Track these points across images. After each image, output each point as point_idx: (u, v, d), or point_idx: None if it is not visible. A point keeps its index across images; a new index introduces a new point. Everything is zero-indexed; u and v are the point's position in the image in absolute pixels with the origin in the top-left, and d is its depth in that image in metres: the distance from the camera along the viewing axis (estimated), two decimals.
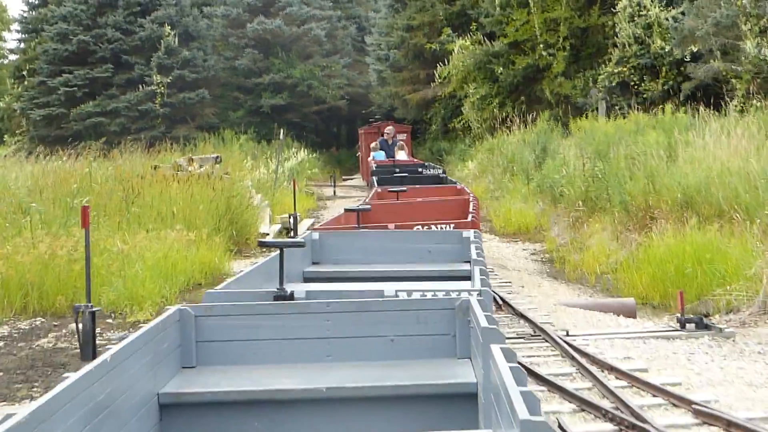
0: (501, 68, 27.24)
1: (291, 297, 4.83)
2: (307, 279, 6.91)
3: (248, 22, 43.54)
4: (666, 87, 25.19)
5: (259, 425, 3.82)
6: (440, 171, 16.12)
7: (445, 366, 4.07)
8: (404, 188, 11.89)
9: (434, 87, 31.82)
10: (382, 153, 20.81)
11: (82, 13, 40.46)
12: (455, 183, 14.54)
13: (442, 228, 8.56)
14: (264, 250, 14.31)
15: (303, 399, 3.83)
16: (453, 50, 28.79)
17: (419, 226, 8.66)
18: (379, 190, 12.88)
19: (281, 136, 21.10)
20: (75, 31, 39.96)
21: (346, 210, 8.98)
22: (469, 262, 6.64)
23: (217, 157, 17.74)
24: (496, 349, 3.15)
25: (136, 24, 40.56)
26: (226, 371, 4.10)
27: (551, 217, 15.41)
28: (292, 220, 13.10)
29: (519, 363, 3.04)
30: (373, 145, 22.32)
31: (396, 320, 4.24)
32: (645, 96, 24.95)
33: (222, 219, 13.73)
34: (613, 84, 25.33)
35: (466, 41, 28.75)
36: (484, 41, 28.38)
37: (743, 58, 18.96)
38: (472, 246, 6.67)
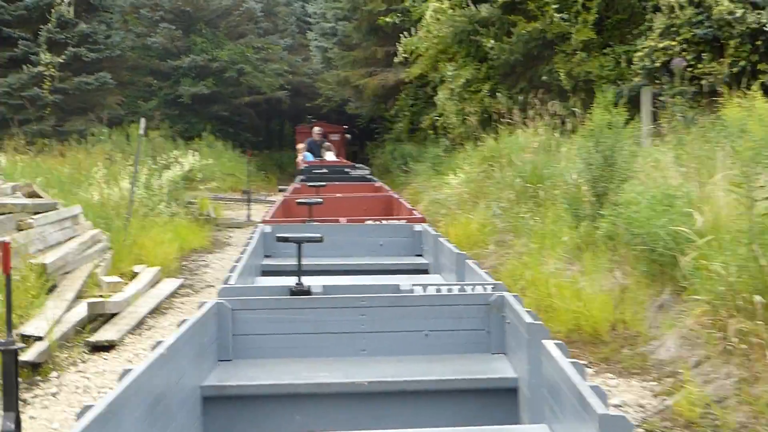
0: (492, 41, 19.15)
1: (308, 292, 4.51)
2: (266, 272, 6.55)
3: None
4: (735, 69, 17.52)
5: (300, 418, 3.77)
6: (367, 172, 16.02)
7: (480, 361, 4.05)
8: (323, 183, 11.56)
9: (396, 70, 23.54)
10: (310, 154, 20.31)
11: None
12: (376, 181, 14.61)
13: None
14: None
15: (344, 393, 3.77)
16: (424, 15, 20.54)
17: (370, 221, 8.22)
18: (298, 185, 12.87)
19: (141, 127, 12.28)
20: None
21: (298, 203, 8.40)
22: (422, 255, 7.20)
23: None
24: (549, 344, 3.08)
25: None
26: (262, 364, 4.06)
27: (649, 305, 7.35)
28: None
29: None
30: (299, 146, 21.80)
31: (430, 315, 4.22)
32: (703, 81, 17.28)
33: None
34: (657, 64, 17.79)
35: (442, 3, 20.50)
36: (468, 4, 20.23)
37: None
38: (440, 240, 6.46)
